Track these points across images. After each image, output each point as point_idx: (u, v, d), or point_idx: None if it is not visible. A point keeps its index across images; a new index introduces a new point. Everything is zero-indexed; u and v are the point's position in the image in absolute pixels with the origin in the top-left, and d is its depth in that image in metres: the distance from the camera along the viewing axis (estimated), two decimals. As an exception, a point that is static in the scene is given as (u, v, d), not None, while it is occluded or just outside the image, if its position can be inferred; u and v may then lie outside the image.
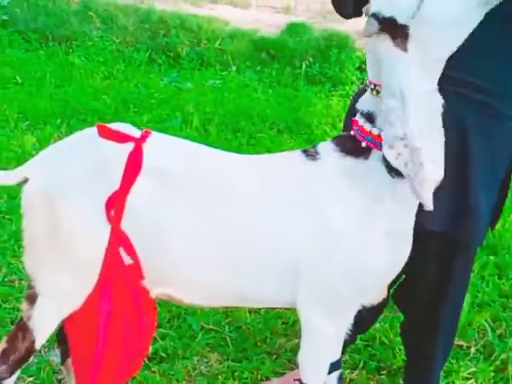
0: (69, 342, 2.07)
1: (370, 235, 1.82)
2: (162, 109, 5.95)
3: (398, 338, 2.98)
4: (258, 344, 2.98)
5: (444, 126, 1.80)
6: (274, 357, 2.90)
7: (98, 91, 6.31)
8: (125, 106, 5.93)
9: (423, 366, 2.53)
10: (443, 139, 1.74)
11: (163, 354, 2.83)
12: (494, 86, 2.02)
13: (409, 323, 2.54)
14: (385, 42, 1.68)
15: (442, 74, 1.76)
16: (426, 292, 2.33)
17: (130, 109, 5.87)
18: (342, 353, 2.66)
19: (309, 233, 1.83)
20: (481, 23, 1.71)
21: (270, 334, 3.03)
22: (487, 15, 1.67)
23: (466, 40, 1.71)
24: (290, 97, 6.79)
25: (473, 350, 3.01)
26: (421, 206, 1.86)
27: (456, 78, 1.97)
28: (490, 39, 1.93)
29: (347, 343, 2.63)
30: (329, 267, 1.84)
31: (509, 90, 2.08)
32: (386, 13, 1.66)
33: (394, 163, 1.68)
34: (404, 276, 2.40)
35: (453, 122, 2.00)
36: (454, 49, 1.72)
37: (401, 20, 1.65)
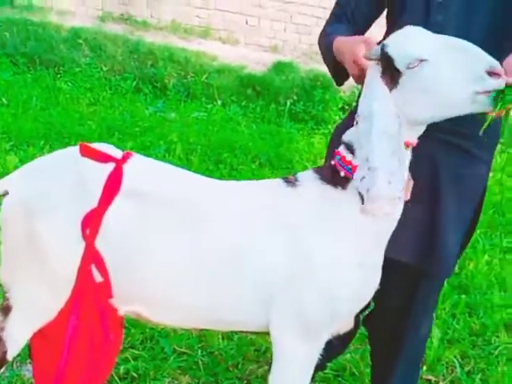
0: (32, 354, 2.07)
1: (342, 265, 1.86)
2: (146, 136, 6.00)
3: (368, 370, 3.01)
4: (230, 369, 2.99)
5: (416, 163, 1.88)
6: (245, 382, 2.92)
7: (83, 116, 6.36)
8: (109, 132, 5.98)
9: None
10: (405, 166, 1.79)
11: (135, 375, 2.83)
12: (464, 128, 2.09)
13: (374, 349, 2.57)
14: (375, 71, 1.78)
15: None
16: (392, 318, 2.37)
17: (114, 135, 5.92)
18: (312, 379, 2.69)
19: (283, 258, 1.86)
20: None
21: (242, 360, 3.05)
22: None
23: None
24: (273, 132, 6.89)
25: (441, 384, 3.04)
26: (393, 237, 1.92)
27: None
28: None
29: (317, 369, 2.66)
30: (301, 293, 1.87)
31: (488, 137, 2.15)
32: (390, 51, 1.74)
33: (359, 187, 1.75)
34: (373, 304, 2.45)
35: (425, 161, 2.10)
36: (431, 121, 1.81)
37: (397, 64, 1.73)
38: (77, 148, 1.96)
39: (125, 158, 1.95)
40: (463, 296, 3.79)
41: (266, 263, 1.87)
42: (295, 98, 7.83)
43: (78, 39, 8.45)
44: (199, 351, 3.05)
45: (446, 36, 1.78)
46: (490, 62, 1.68)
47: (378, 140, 1.71)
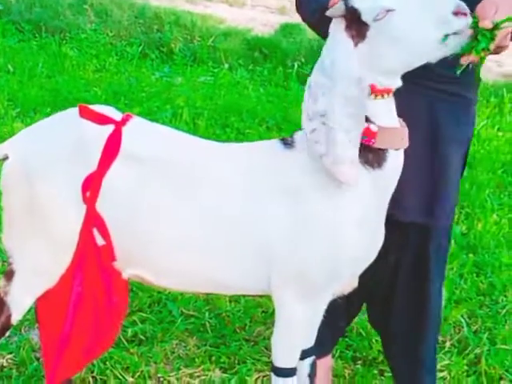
0: (38, 319, 2.10)
1: (343, 222, 1.84)
2: (152, 102, 5.98)
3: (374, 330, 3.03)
4: (237, 331, 3.01)
5: (416, 113, 1.87)
6: (252, 343, 2.94)
7: (89, 83, 6.35)
8: (115, 98, 5.95)
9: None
10: (361, 126, 1.75)
11: (142, 337, 2.86)
12: (450, 72, 2.01)
13: (396, 319, 2.42)
14: (339, 25, 1.73)
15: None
16: (408, 276, 2.32)
17: (120, 101, 5.90)
18: (336, 344, 2.69)
19: (283, 217, 1.85)
20: None
21: (249, 322, 3.07)
22: None
23: None
24: (281, 95, 6.84)
25: (448, 344, 3.05)
26: (393, 199, 1.91)
27: (421, 69, 2.03)
28: None
29: (340, 334, 2.65)
30: (302, 251, 1.86)
31: (472, 77, 2.08)
32: (355, 4, 1.70)
33: (308, 136, 1.75)
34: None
35: (424, 110, 2.09)
36: (401, 70, 1.77)
37: (364, 17, 1.69)
38: (76, 110, 1.94)
39: (124, 121, 1.93)
40: (471, 256, 3.78)
41: (267, 225, 1.87)
42: (303, 60, 7.77)
43: (83, 5, 8.42)
44: (206, 314, 3.07)
45: None
46: (456, 2, 1.65)
47: (339, 101, 1.69)
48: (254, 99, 6.52)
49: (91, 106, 1.95)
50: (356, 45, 1.72)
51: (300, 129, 1.87)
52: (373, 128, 1.77)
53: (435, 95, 2.12)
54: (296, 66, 7.66)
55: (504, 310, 3.35)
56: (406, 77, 1.81)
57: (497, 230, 4.18)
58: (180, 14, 8.41)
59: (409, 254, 2.27)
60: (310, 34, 8.37)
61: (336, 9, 1.74)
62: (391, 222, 2.06)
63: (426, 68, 1.80)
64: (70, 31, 7.82)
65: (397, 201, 1.94)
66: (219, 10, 9.03)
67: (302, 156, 1.87)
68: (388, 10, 1.66)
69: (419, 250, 2.26)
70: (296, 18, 8.80)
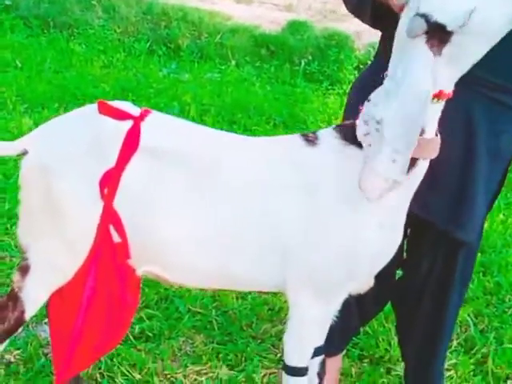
0: (49, 315, 2.11)
1: (361, 223, 1.84)
2: (159, 98, 5.99)
3: (382, 328, 3.04)
4: (244, 328, 3.02)
5: (451, 116, 1.81)
6: (259, 341, 2.95)
7: (96, 79, 6.36)
8: (123, 94, 5.95)
9: (427, 367, 2.52)
10: (408, 154, 1.67)
11: (149, 334, 2.87)
12: (507, 83, 2.03)
13: (410, 326, 2.49)
14: (418, 41, 1.66)
15: None
16: (430, 291, 2.34)
17: (128, 97, 5.89)
18: (347, 344, 2.72)
19: (301, 215, 1.85)
20: None
21: (256, 320, 3.07)
22: None
23: None
24: (288, 93, 6.83)
25: (455, 343, 3.05)
26: (420, 196, 1.89)
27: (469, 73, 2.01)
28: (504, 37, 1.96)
29: (351, 334, 2.68)
30: (318, 251, 1.86)
31: None
32: (438, 18, 1.63)
33: (361, 138, 1.72)
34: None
35: (460, 114, 2.02)
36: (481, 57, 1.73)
37: (450, 27, 1.63)
38: (95, 106, 1.95)
39: (143, 116, 1.93)
40: (478, 255, 3.76)
41: (283, 222, 1.86)
42: (310, 57, 7.74)
43: (91, 0, 8.39)
44: (213, 311, 3.08)
45: None
46: None
47: (398, 112, 1.64)
48: (260, 96, 6.51)
49: (109, 102, 1.96)
50: (438, 54, 1.66)
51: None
52: None
53: (478, 100, 2.06)
54: (303, 63, 7.65)
55: (511, 310, 3.34)
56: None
57: (503, 230, 4.17)
58: (187, 11, 8.39)
59: (438, 269, 2.28)
60: (317, 30, 8.36)
61: (417, 28, 1.64)
62: (426, 231, 2.09)
63: (475, 72, 1.78)
64: (77, 27, 7.82)
65: (421, 199, 1.92)
66: (226, 6, 9.01)
67: (325, 154, 1.86)
68: (470, 12, 1.61)
69: (448, 262, 2.26)
70: (303, 15, 8.78)
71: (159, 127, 1.96)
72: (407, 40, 1.67)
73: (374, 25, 2.14)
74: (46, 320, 2.47)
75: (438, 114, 1.79)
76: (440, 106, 1.77)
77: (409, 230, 2.24)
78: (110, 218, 1.89)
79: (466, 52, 1.69)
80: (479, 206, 2.15)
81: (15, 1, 8.13)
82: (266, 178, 1.90)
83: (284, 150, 1.94)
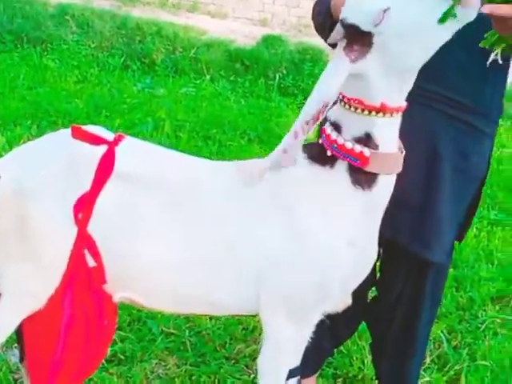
0: (25, 342, 2.07)
1: (332, 242, 1.84)
2: (133, 114, 5.96)
3: (355, 347, 3.04)
4: (217, 349, 3.00)
5: (413, 138, 1.83)
6: (233, 362, 2.93)
7: (70, 94, 6.32)
8: (96, 110, 5.93)
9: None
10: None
11: (122, 357, 2.84)
12: (477, 105, 2.04)
13: (381, 343, 2.51)
14: (339, 49, 1.71)
15: (417, 86, 1.77)
16: (402, 307, 2.35)
17: (101, 113, 5.88)
18: (321, 365, 2.71)
19: (273, 235, 1.84)
20: (463, 45, 1.78)
21: (230, 340, 3.06)
22: (469, 37, 1.69)
23: (446, 56, 1.74)
24: (263, 107, 6.86)
25: (428, 360, 3.06)
26: (387, 215, 1.90)
27: (432, 92, 2.01)
28: (473, 61, 1.97)
29: (325, 355, 2.68)
30: (290, 270, 1.85)
31: (491, 109, 2.11)
32: (352, 19, 1.67)
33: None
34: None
35: (423, 133, 2.04)
36: (420, 63, 1.72)
37: (364, 27, 1.66)
38: (68, 130, 1.94)
39: (117, 141, 1.93)
40: (451, 270, 3.79)
41: (256, 244, 1.86)
42: (284, 71, 7.79)
43: (65, 15, 8.37)
44: (187, 331, 3.06)
45: None
46: None
47: (302, 117, 1.70)
48: (235, 111, 6.53)
49: (83, 127, 1.94)
50: (359, 58, 1.68)
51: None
52: (366, 153, 1.75)
53: (443, 120, 2.07)
54: (277, 77, 7.68)
55: (483, 326, 3.37)
56: (415, 94, 1.78)
57: (476, 244, 4.21)
58: (162, 25, 8.40)
59: (408, 288, 2.30)
60: (292, 45, 8.41)
61: (335, 33, 1.71)
62: (397, 251, 2.11)
63: (440, 91, 1.77)
64: (51, 42, 7.78)
65: (388, 219, 1.93)
66: (201, 21, 9.03)
67: (295, 174, 1.86)
68: (384, 10, 1.62)
69: (418, 282, 2.27)
70: (277, 30, 8.81)
71: (133, 152, 1.95)
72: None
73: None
74: (16, 345, 2.43)
75: (393, 129, 1.79)
76: (392, 120, 1.77)
77: (381, 250, 2.24)
78: (84, 242, 1.87)
79: (396, 56, 1.68)
80: (446, 226, 2.15)
81: (-12, 16, 8.08)
82: (239, 200, 1.90)
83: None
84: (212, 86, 7.35)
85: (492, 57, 1.75)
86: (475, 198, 2.25)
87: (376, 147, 1.76)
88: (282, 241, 1.84)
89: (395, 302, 2.35)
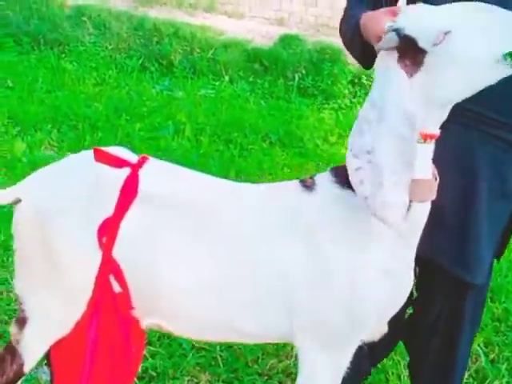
0: (52, 367, 2.02)
1: (365, 270, 1.76)
2: (153, 117, 5.91)
3: (391, 362, 2.96)
4: (250, 364, 2.93)
5: (451, 157, 1.76)
6: (266, 378, 2.86)
7: (89, 97, 6.28)
8: (116, 113, 5.88)
9: None
10: (411, 171, 1.62)
11: (153, 373, 2.77)
12: (506, 118, 1.97)
13: (422, 364, 2.43)
14: (389, 58, 1.63)
15: (457, 105, 1.69)
16: (441, 331, 2.28)
17: (121, 116, 5.83)
18: None
19: (303, 264, 1.77)
20: None
21: (262, 355, 2.99)
22: None
23: None
24: (283, 109, 6.79)
25: (466, 375, 2.97)
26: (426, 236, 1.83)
27: (473, 111, 1.94)
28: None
29: (363, 375, 2.60)
30: (323, 300, 1.78)
31: None
32: (410, 32, 1.59)
33: (352, 174, 1.62)
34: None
35: (461, 155, 1.98)
36: (461, 98, 1.65)
37: (422, 43, 1.58)
38: (90, 152, 1.88)
39: (140, 163, 1.87)
40: (484, 280, 3.71)
41: (283, 270, 1.79)
42: (303, 71, 7.71)
43: (81, 17, 8.33)
44: (218, 347, 2.99)
45: (462, 2, 1.63)
46: None
47: (387, 138, 1.58)
48: (255, 113, 6.46)
49: (106, 149, 1.88)
50: (411, 75, 1.60)
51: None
52: None
53: (481, 139, 2.00)
54: (297, 77, 7.61)
55: (521, 338, 3.29)
56: (454, 115, 1.71)
57: (508, 253, 4.11)
58: (179, 26, 8.34)
59: (447, 308, 2.23)
60: (310, 44, 8.32)
61: (388, 41, 1.62)
62: (435, 271, 2.09)
63: (481, 111, 1.71)
64: (68, 44, 7.75)
65: (432, 245, 1.89)
66: (218, 21, 8.96)
67: (322, 199, 1.79)
68: (446, 33, 1.55)
69: (457, 303, 2.21)
70: (295, 29, 8.74)
71: (157, 174, 1.89)
72: (381, 64, 1.65)
73: (364, 63, 2.12)
74: (46, 362, 2.37)
75: (428, 155, 1.72)
76: (426, 146, 1.70)
77: (417, 269, 2.17)
78: (109, 267, 1.81)
79: (441, 84, 1.61)
80: (484, 247, 2.08)
81: (4, 18, 8.04)
82: (266, 227, 1.83)
83: (282, 197, 1.87)
84: (231, 87, 7.29)
85: None
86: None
87: None
88: (313, 268, 1.77)
89: (434, 321, 2.28)
